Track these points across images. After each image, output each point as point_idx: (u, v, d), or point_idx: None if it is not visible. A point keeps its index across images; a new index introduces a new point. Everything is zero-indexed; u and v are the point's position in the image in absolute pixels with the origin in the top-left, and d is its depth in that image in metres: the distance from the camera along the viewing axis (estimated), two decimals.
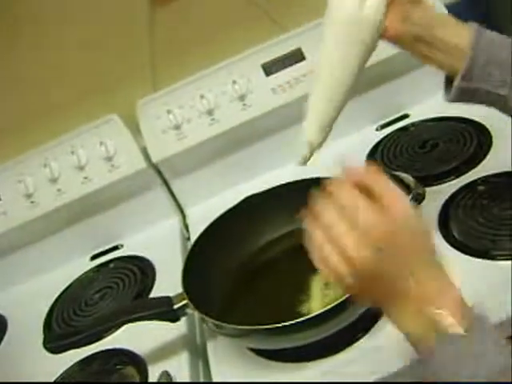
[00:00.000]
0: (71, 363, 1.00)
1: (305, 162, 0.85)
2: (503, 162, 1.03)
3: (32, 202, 1.24)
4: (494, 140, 1.12)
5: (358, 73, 0.78)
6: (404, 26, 0.73)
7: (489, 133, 1.14)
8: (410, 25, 0.73)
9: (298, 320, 0.76)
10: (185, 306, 0.87)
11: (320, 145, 0.83)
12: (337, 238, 0.56)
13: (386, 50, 0.79)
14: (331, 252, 0.56)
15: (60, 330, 1.12)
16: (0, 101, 1.27)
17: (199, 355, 0.98)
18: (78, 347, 0.95)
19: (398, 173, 0.94)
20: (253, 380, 0.85)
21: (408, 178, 0.90)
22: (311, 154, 0.84)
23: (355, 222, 0.55)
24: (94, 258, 1.32)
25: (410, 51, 0.76)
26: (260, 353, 0.88)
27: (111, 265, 1.27)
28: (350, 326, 0.81)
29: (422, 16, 0.73)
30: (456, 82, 0.73)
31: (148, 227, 1.31)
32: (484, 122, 1.17)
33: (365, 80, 0.83)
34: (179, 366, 0.92)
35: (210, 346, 0.94)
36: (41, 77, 1.27)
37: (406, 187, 0.88)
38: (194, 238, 1.05)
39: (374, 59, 0.80)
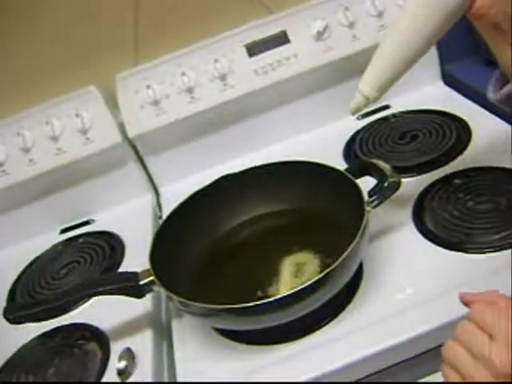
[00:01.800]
0: (32, 337, 0.98)
1: (356, 111, 0.84)
2: (481, 157, 1.04)
3: (3, 171, 1.22)
4: (473, 135, 1.12)
5: (428, 43, 0.76)
6: (489, 9, 0.71)
7: (468, 128, 1.14)
8: (495, 10, 0.71)
9: (263, 301, 0.75)
10: (151, 282, 0.85)
11: (375, 100, 0.82)
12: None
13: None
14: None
15: (23, 301, 1.10)
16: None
17: (163, 334, 0.96)
18: (38, 320, 0.93)
19: (374, 160, 0.93)
20: (216, 360, 0.84)
21: (384, 165, 0.89)
22: (364, 106, 0.83)
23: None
24: (63, 231, 1.30)
25: (485, 37, 0.74)
26: (225, 334, 0.87)
27: (80, 239, 1.24)
28: (316, 311, 0.80)
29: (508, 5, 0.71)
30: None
31: (120, 204, 1.29)
32: (464, 117, 1.17)
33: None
34: (143, 343, 0.90)
35: (175, 325, 0.93)
36: (23, 43, 1.24)
37: (383, 175, 0.87)
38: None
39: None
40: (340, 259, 0.76)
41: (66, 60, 1.26)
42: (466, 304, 0.61)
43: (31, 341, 0.98)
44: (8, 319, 0.87)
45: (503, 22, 0.70)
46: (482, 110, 1.17)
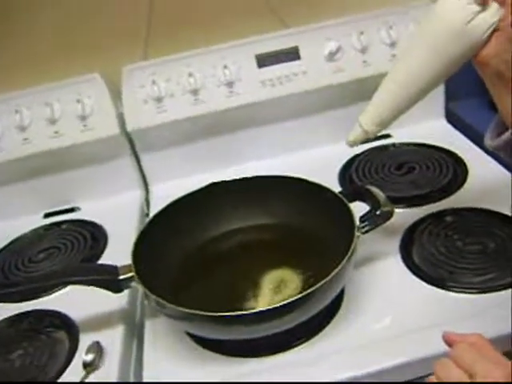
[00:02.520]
0: (1, 318, 0.97)
1: (353, 144, 0.84)
2: (475, 198, 1.04)
3: None
4: (469, 175, 1.12)
5: (432, 84, 0.76)
6: (494, 57, 0.72)
7: (466, 167, 1.14)
8: (501, 60, 0.71)
9: (237, 313, 0.75)
10: (130, 278, 0.84)
11: (374, 134, 0.82)
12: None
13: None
14: None
15: None
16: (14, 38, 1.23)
17: (135, 332, 0.95)
18: (11, 301, 0.91)
19: (370, 187, 0.92)
20: (184, 366, 0.83)
21: (379, 193, 0.89)
22: (362, 140, 0.83)
23: None
24: (47, 215, 1.28)
25: (488, 84, 0.74)
26: (197, 341, 0.86)
27: (64, 226, 1.23)
28: (290, 330, 0.79)
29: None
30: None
31: (109, 195, 1.28)
32: (463, 156, 1.18)
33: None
34: (112, 339, 0.89)
35: (148, 326, 0.92)
36: (36, 20, 1.23)
37: (376, 203, 0.87)
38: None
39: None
40: (322, 282, 0.76)
41: (75, 44, 1.25)
42: (448, 343, 0.61)
43: (0, 321, 0.96)
44: None
45: (506, 72, 0.70)
46: (481, 152, 1.17)
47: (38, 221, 1.26)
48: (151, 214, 1.01)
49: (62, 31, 1.24)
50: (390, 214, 0.86)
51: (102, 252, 1.12)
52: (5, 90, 1.22)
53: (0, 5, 1.20)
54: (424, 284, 0.87)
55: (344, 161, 1.24)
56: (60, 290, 0.99)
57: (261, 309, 0.75)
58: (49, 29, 1.24)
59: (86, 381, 0.81)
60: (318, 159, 1.26)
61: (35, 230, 1.23)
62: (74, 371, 0.83)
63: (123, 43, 1.26)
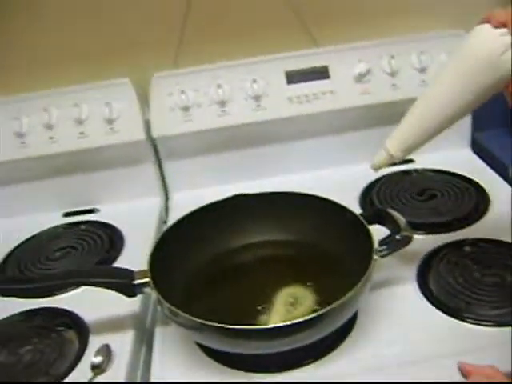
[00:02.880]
0: (14, 312, 0.97)
1: (378, 167, 0.85)
2: (495, 229, 1.03)
3: (22, 143, 1.22)
4: (491, 206, 1.11)
5: (459, 114, 0.77)
6: None
7: (488, 198, 1.13)
8: None
9: (247, 327, 0.75)
10: (145, 284, 0.84)
11: (399, 159, 0.82)
12: None
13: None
14: None
15: (13, 274, 1.09)
16: (33, 37, 1.25)
17: (144, 338, 0.95)
18: (25, 296, 0.91)
19: (390, 211, 0.92)
20: (191, 375, 0.82)
21: (399, 218, 0.89)
22: (387, 164, 0.84)
23: None
24: (67, 215, 1.29)
25: None
26: (208, 352, 0.85)
27: (82, 226, 1.24)
28: (300, 349, 0.78)
29: None
30: None
31: (129, 199, 1.29)
32: (486, 187, 1.17)
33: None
34: (122, 343, 0.89)
35: (158, 333, 0.92)
36: (74, 23, 1.25)
37: (396, 227, 0.86)
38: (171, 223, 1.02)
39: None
40: (336, 303, 0.75)
41: (108, 48, 1.27)
42: (464, 373, 0.61)
43: (12, 316, 0.97)
44: None
45: None
46: (505, 184, 1.17)
47: (57, 219, 1.28)
48: (170, 222, 1.01)
49: (96, 34, 1.25)
50: (409, 239, 0.85)
51: (117, 255, 1.12)
52: (35, 88, 1.24)
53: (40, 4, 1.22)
54: (440, 313, 0.86)
55: (366, 183, 1.24)
56: (73, 289, 1.00)
57: (272, 325, 0.75)
58: (85, 31, 1.25)
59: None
60: (340, 179, 1.26)
61: (54, 228, 1.24)
62: (82, 372, 0.84)
63: (155, 50, 1.27)
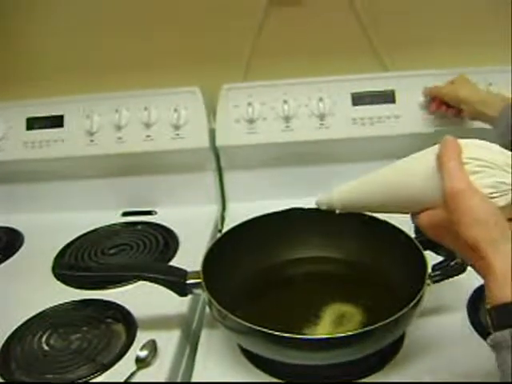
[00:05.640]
0: (69, 300, 1.01)
1: (319, 205, 0.84)
2: None
3: (91, 141, 1.26)
4: None
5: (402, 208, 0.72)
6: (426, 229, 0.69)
7: None
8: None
9: (294, 335, 0.75)
10: (197, 284, 0.85)
11: (340, 209, 0.81)
12: None
13: None
14: None
15: (72, 262, 1.13)
16: (127, 42, 1.31)
17: (189, 339, 0.96)
18: (84, 284, 0.94)
19: None
20: (232, 379, 0.83)
21: None
22: (326, 207, 0.83)
23: None
24: (125, 214, 1.33)
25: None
26: (251, 359, 0.86)
27: (139, 226, 1.28)
28: (340, 365, 0.78)
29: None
30: None
31: (186, 205, 1.31)
32: None
33: None
34: (168, 341, 0.90)
35: (204, 335, 0.94)
36: (154, 29, 1.30)
37: (451, 253, 0.85)
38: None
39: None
40: (384, 322, 0.75)
41: (181, 56, 1.31)
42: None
43: (66, 303, 1.00)
44: (58, 274, 0.89)
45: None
46: None
47: (115, 217, 1.32)
48: (224, 230, 1.02)
49: (173, 42, 1.30)
50: (463, 267, 0.84)
51: (171, 257, 1.15)
52: (109, 89, 1.29)
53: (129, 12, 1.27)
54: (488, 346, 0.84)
55: None
56: (126, 285, 1.03)
57: (319, 336, 0.75)
58: (163, 39, 1.30)
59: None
60: None
61: (112, 225, 1.28)
62: (126, 364, 0.86)
63: (226, 62, 1.30)
